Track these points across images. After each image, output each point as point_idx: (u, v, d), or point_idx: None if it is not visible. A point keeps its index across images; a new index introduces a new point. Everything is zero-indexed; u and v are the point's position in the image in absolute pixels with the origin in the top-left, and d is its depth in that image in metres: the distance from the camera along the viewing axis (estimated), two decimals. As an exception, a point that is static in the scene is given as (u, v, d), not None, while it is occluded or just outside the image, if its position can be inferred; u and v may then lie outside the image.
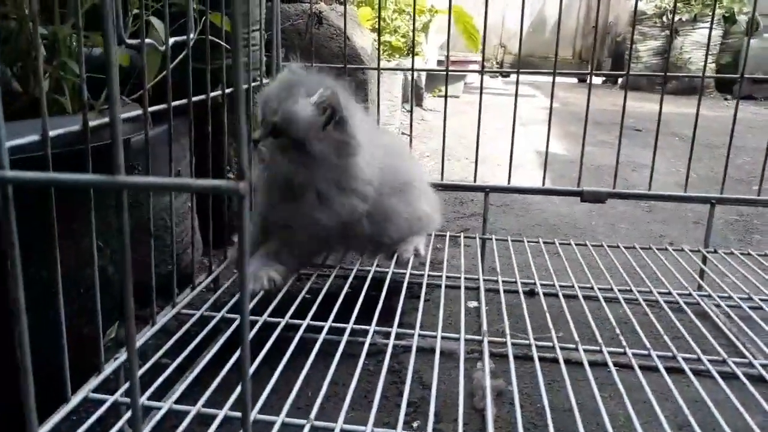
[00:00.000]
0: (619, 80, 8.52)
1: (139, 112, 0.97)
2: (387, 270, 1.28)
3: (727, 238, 2.05)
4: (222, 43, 1.17)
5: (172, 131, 1.07)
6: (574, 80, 9.22)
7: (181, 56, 1.09)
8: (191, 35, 1.02)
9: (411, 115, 1.63)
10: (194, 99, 1.15)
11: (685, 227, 2.15)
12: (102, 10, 0.33)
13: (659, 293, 1.26)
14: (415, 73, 5.07)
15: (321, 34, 2.41)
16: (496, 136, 3.63)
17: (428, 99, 5.40)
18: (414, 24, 1.52)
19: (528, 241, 1.48)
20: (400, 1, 4.00)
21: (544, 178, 1.53)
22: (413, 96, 1.71)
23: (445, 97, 1.46)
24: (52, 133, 0.75)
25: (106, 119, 0.88)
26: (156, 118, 1.15)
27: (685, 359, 1.00)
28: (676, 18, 7.48)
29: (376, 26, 3.73)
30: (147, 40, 0.90)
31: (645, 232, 2.07)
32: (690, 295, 1.30)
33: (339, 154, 1.18)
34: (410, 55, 4.46)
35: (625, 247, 1.47)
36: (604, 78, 8.84)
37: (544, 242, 1.48)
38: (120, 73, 1.03)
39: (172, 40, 0.99)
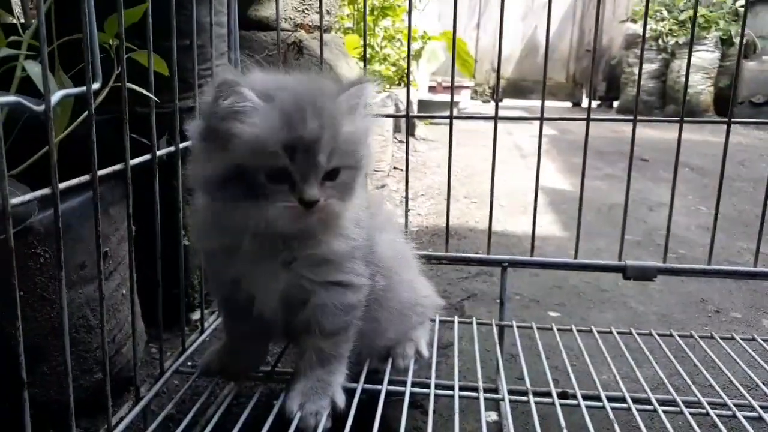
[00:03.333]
0: (615, 104, 8.32)
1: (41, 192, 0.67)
2: (379, 383, 0.97)
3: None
4: (145, 92, 0.87)
5: (98, 199, 0.77)
6: (568, 104, 9.02)
7: (98, 98, 0.80)
8: (94, 85, 0.72)
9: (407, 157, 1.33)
10: (134, 161, 0.85)
11: (727, 287, 1.85)
12: None
13: (731, 401, 0.97)
14: (406, 101, 4.81)
15: (302, 65, 2.13)
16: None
17: (420, 127, 5.13)
18: (409, 64, 1.22)
19: (558, 329, 1.17)
20: (389, 28, 3.74)
21: (576, 248, 1.23)
22: (408, 134, 1.42)
23: (449, 162, 1.17)
24: None
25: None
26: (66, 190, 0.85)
27: None
28: (672, 41, 7.32)
29: (363, 55, 3.46)
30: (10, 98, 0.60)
31: (683, 296, 1.78)
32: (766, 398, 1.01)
33: None
34: (401, 84, 4.21)
35: (679, 336, 1.17)
36: (599, 102, 8.64)
37: (578, 330, 1.17)
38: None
39: (69, 91, 0.69)
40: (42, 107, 0.64)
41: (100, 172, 0.76)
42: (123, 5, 0.79)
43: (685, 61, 6.45)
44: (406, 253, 1.08)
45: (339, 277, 0.87)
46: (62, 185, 0.69)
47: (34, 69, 0.71)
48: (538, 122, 1.17)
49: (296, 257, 0.85)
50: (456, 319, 1.20)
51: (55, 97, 0.67)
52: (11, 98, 0.60)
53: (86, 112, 0.73)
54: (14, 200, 0.62)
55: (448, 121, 1.23)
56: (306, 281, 0.86)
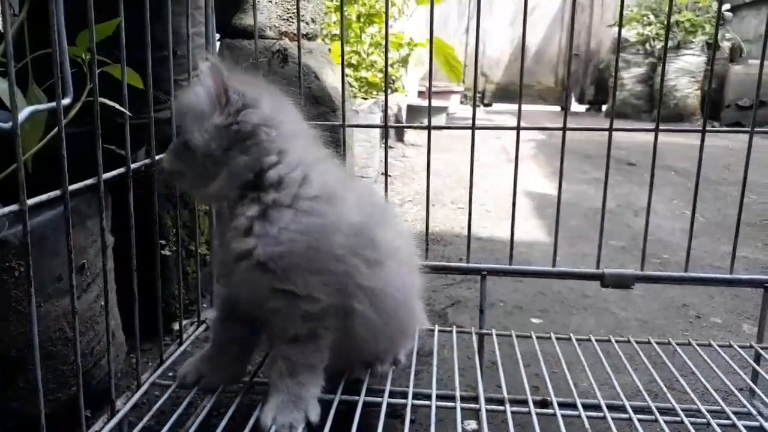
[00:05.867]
0: (604, 107, 8.38)
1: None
2: (357, 393, 0.97)
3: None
4: (118, 106, 0.87)
5: (69, 215, 0.76)
6: (557, 108, 9.07)
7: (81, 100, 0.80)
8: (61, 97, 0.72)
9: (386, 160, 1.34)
10: (107, 175, 0.85)
11: (708, 292, 1.87)
12: None
13: (705, 407, 0.98)
14: (395, 107, 4.84)
15: (286, 73, 2.14)
16: (482, 175, 3.36)
17: (409, 132, 5.14)
18: (386, 71, 1.23)
19: (537, 337, 1.18)
20: (376, 35, 3.76)
21: (554, 257, 1.24)
22: (386, 146, 1.43)
23: (428, 176, 1.17)
24: None
25: None
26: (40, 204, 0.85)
27: None
28: (659, 45, 7.38)
29: (350, 62, 3.48)
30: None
31: (665, 301, 1.79)
32: (742, 405, 1.03)
33: (242, 150, 0.84)
34: (389, 91, 4.22)
35: (657, 343, 1.17)
36: (588, 106, 8.70)
37: (557, 338, 1.18)
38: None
39: (38, 107, 0.70)
40: (9, 124, 0.64)
41: (72, 187, 0.76)
42: (99, 17, 0.79)
43: (672, 65, 6.49)
44: (413, 283, 1.04)
45: (283, 285, 0.84)
46: (32, 201, 0.69)
47: (1, 86, 0.71)
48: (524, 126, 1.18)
49: (232, 254, 0.86)
50: (436, 328, 1.21)
51: (23, 113, 0.67)
52: (-24, 116, 0.60)
53: (56, 129, 0.73)
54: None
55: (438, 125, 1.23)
56: (249, 285, 0.86)
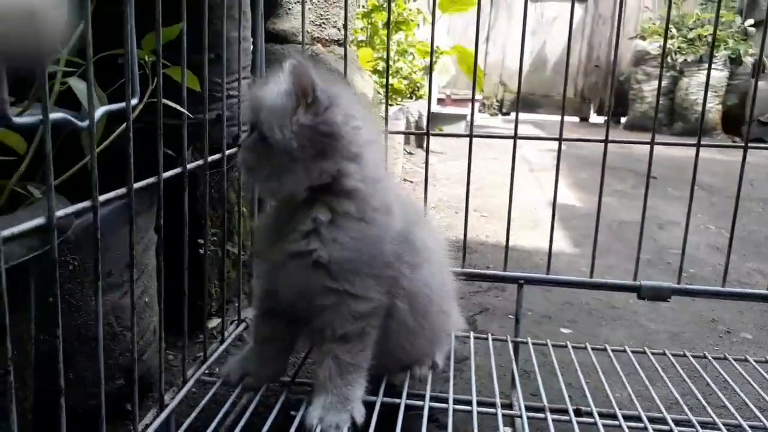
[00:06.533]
0: (623, 119, 8.34)
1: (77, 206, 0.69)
2: (397, 396, 0.98)
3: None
4: (179, 107, 0.89)
5: (133, 213, 0.78)
6: (576, 119, 9.04)
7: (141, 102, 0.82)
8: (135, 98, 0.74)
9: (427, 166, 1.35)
10: (166, 175, 0.86)
11: (738, 307, 1.86)
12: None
13: (746, 422, 0.98)
14: (416, 113, 4.86)
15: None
16: (504, 183, 3.36)
17: (430, 139, 5.15)
18: (431, 78, 1.25)
19: (572, 347, 1.19)
20: (402, 42, 3.78)
21: (592, 268, 1.25)
22: (427, 145, 1.45)
23: (468, 178, 1.18)
24: None
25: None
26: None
27: None
28: (681, 59, 7.35)
29: (378, 68, 3.51)
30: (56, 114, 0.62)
31: (694, 315, 1.78)
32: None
33: (322, 151, 0.84)
34: (412, 97, 4.24)
35: (693, 356, 1.18)
36: (606, 118, 8.67)
37: (593, 348, 1.19)
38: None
39: (111, 107, 0.72)
40: (86, 123, 0.66)
41: (137, 185, 0.78)
42: (148, 22, 0.81)
43: (694, 78, 6.44)
44: (446, 284, 1.06)
45: (339, 285, 0.87)
46: (102, 198, 0.71)
47: (78, 86, 0.74)
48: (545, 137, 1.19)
49: (288, 251, 0.87)
50: (472, 335, 1.22)
51: (98, 113, 0.69)
52: (59, 115, 0.62)
53: (123, 126, 0.75)
54: (59, 213, 0.64)
55: (457, 132, 1.25)
56: (300, 282, 0.88)
